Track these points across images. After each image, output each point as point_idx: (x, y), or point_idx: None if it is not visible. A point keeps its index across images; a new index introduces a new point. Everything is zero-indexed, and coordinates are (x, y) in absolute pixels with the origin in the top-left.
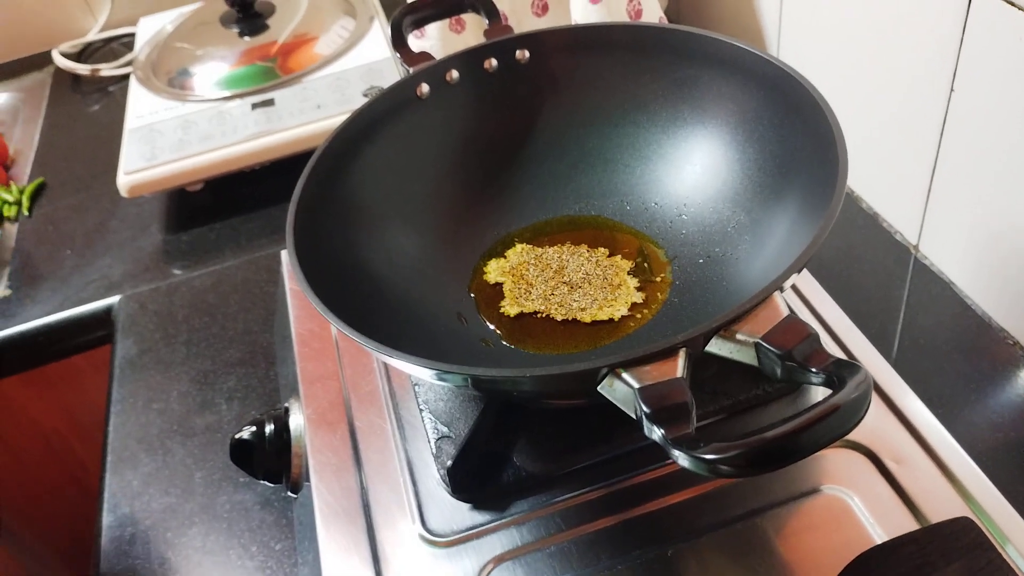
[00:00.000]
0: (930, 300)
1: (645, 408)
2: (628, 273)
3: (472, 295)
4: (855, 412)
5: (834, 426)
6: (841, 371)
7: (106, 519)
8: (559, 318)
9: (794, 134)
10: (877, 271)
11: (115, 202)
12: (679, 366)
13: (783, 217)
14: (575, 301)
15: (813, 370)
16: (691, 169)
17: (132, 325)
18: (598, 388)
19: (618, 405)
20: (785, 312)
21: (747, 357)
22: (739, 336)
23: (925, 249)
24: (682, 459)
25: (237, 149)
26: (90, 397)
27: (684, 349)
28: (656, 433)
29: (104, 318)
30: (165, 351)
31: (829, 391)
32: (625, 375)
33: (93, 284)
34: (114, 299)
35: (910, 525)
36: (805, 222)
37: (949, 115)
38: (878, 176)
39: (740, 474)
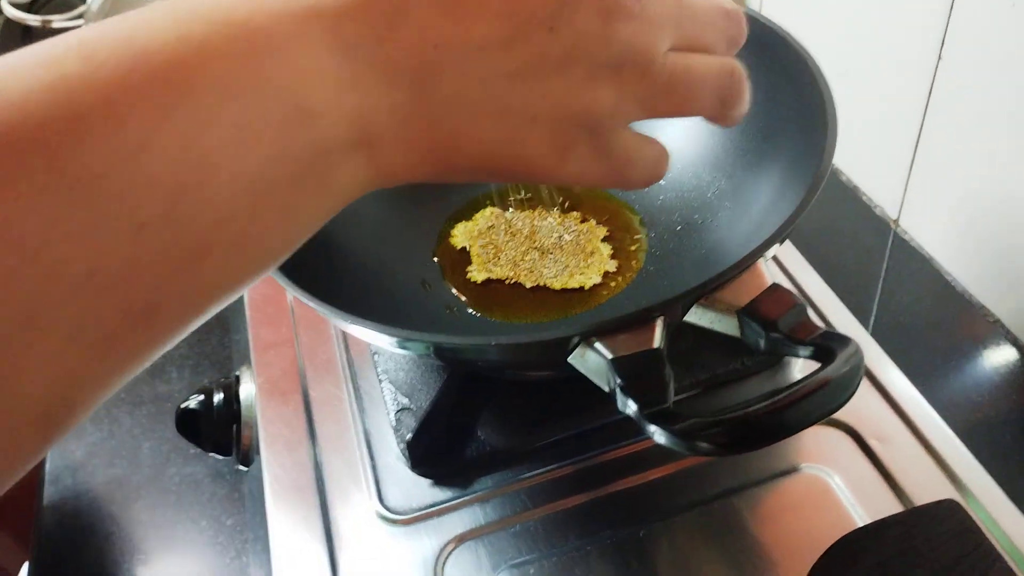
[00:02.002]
0: (909, 275)
1: (619, 380)
2: (602, 240)
3: (437, 260)
4: (846, 387)
5: (823, 402)
6: (830, 343)
7: (48, 491)
8: (528, 285)
9: (780, 96)
10: (856, 245)
11: None
12: (656, 336)
13: (766, 183)
14: (546, 268)
15: (800, 342)
16: (669, 131)
17: None
18: (569, 358)
19: (590, 377)
20: (769, 281)
21: (728, 327)
22: (721, 305)
23: (905, 224)
24: (658, 435)
25: None
26: None
27: (662, 317)
28: (630, 407)
29: None
30: None
31: (816, 365)
32: (598, 344)
33: None
34: None
35: (894, 507)
36: (790, 188)
37: (935, 86)
38: (859, 148)
39: (720, 452)
